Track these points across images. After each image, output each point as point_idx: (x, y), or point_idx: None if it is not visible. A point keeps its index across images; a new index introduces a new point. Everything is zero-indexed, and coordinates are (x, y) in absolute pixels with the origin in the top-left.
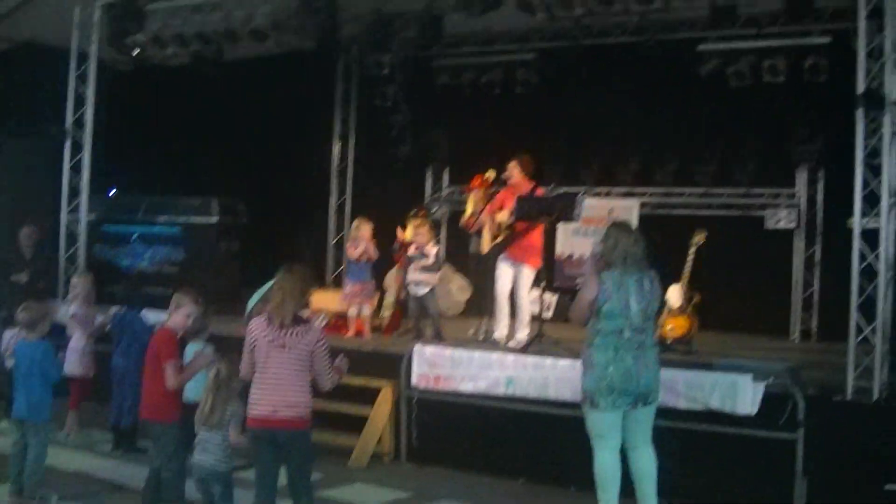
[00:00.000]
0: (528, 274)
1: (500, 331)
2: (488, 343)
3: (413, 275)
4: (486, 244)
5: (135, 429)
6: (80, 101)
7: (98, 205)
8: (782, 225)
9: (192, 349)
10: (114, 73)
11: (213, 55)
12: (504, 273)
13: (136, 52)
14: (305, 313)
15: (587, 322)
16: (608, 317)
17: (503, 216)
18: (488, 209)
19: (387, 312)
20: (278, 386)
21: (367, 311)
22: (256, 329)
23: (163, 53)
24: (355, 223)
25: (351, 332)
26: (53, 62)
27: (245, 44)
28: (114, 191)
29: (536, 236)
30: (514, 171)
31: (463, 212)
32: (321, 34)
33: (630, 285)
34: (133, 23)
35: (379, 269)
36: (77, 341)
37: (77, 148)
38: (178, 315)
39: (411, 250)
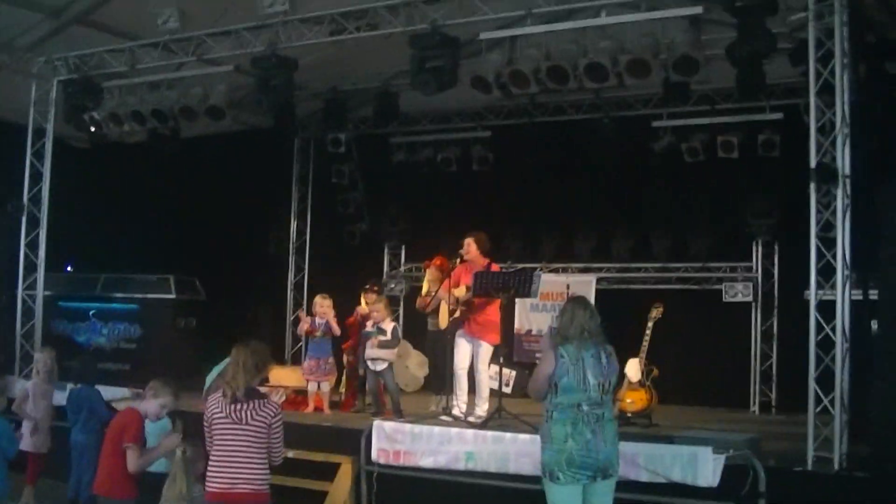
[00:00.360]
0: (486, 349)
1: (460, 406)
2: (448, 418)
3: (371, 351)
4: (443, 320)
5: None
6: (36, 177)
7: (54, 281)
8: (739, 298)
9: (155, 427)
10: (71, 149)
11: (169, 132)
12: (462, 348)
13: (92, 128)
14: (263, 389)
15: (545, 397)
16: (566, 391)
17: (460, 292)
18: (444, 286)
19: (344, 389)
20: (235, 461)
21: (327, 387)
22: (213, 405)
23: (119, 130)
24: (317, 299)
25: (310, 408)
26: (9, 138)
27: (202, 121)
28: (70, 267)
29: (493, 312)
30: (470, 247)
31: (419, 289)
32: (278, 112)
33: (587, 359)
34: (90, 99)
35: (338, 344)
36: (34, 417)
37: (33, 223)
38: (152, 403)
39: (368, 326)
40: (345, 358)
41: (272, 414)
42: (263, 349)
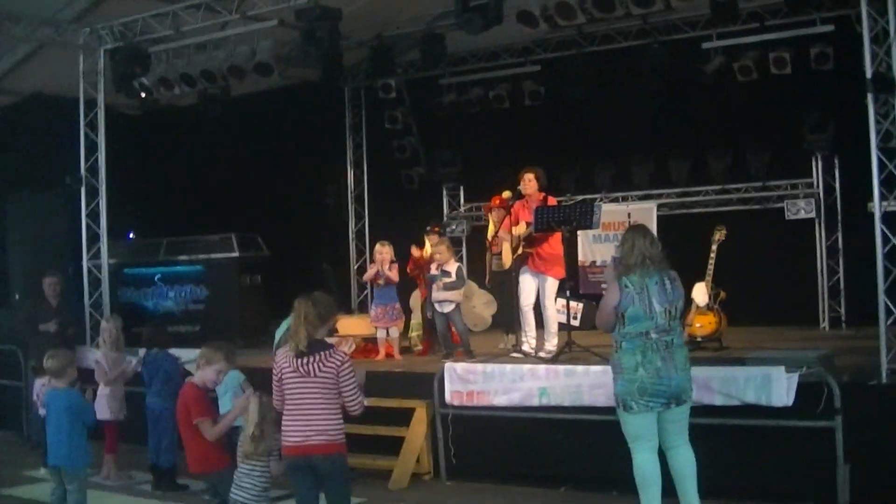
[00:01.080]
0: (552, 284)
1: (529, 342)
2: (518, 355)
3: (437, 293)
4: (507, 259)
5: (173, 467)
6: (91, 148)
7: (118, 249)
8: (802, 214)
9: (232, 379)
10: (123, 117)
11: (219, 92)
12: (528, 285)
13: (143, 95)
14: (332, 340)
15: (613, 328)
16: (633, 320)
17: (521, 229)
18: (505, 225)
19: (414, 333)
20: (308, 413)
21: (395, 333)
22: (281, 360)
23: (170, 94)
24: (376, 247)
25: (381, 356)
26: (63, 112)
27: (251, 79)
28: (132, 234)
29: (556, 245)
30: (530, 182)
31: (484, 228)
32: (325, 63)
33: (651, 287)
34: (138, 66)
35: (405, 290)
36: (107, 385)
37: (92, 194)
38: (208, 371)
39: (433, 269)
40: (420, 307)
41: (339, 363)
42: (326, 299)
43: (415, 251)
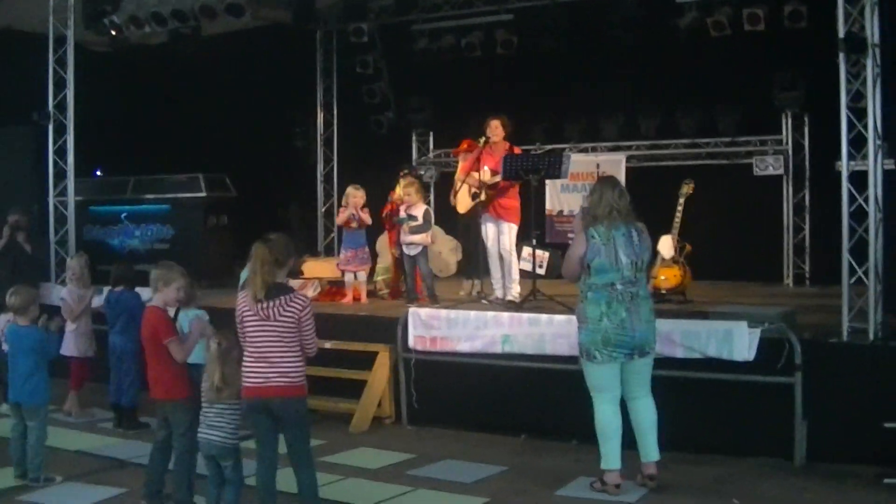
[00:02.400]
0: (512, 230)
1: (494, 289)
2: (482, 302)
3: (404, 236)
4: (462, 204)
5: (135, 406)
6: (60, 85)
7: (84, 187)
8: (770, 171)
9: (185, 318)
10: (92, 54)
11: (190, 32)
12: (489, 231)
13: (113, 32)
14: (298, 282)
15: (579, 278)
16: (598, 271)
17: (486, 175)
18: (464, 168)
19: (380, 277)
20: (267, 357)
21: (363, 276)
22: (241, 303)
23: (140, 33)
24: (349, 190)
25: (348, 299)
26: (32, 47)
27: (222, 19)
28: (99, 172)
29: (515, 196)
30: (498, 129)
31: (453, 175)
32: (297, 6)
33: (618, 238)
34: (108, 4)
35: (372, 234)
36: (73, 322)
37: (60, 131)
38: (168, 291)
39: (401, 211)
40: (393, 250)
41: (300, 308)
42: (283, 242)
43: (391, 194)
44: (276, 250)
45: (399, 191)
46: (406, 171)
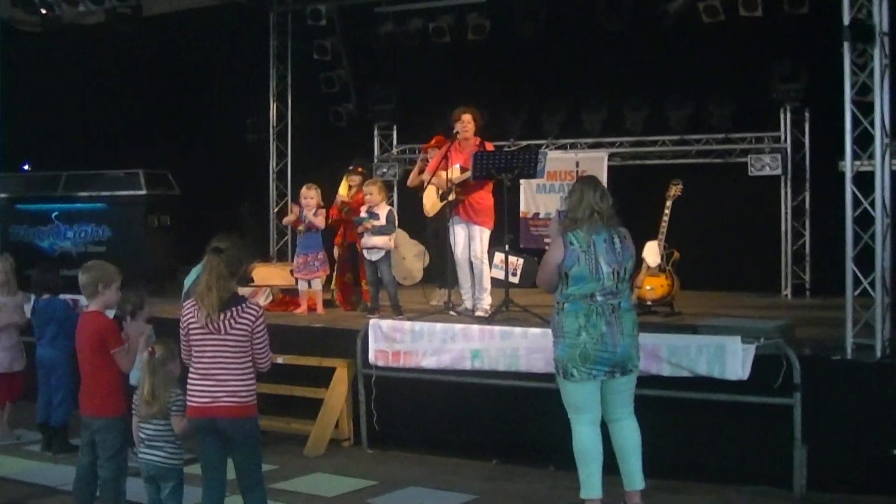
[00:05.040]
0: (484, 234)
1: (463, 299)
2: (452, 314)
3: (365, 239)
4: (430, 205)
5: (66, 426)
6: None
7: (11, 182)
8: (767, 171)
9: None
10: (20, 34)
11: (130, 11)
12: (459, 236)
13: (43, 10)
14: (247, 290)
15: (555, 288)
16: (577, 280)
17: (456, 173)
18: (430, 166)
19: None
20: (216, 373)
21: (319, 284)
22: (188, 312)
23: (74, 11)
24: (303, 190)
25: (302, 309)
26: None
27: None
28: (27, 165)
29: (487, 196)
30: (469, 124)
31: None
32: None
33: (599, 245)
34: None
35: (330, 238)
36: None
37: None
38: (108, 293)
39: (362, 211)
40: (336, 252)
41: (253, 319)
42: (236, 250)
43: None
44: (229, 260)
45: (344, 191)
46: (354, 168)
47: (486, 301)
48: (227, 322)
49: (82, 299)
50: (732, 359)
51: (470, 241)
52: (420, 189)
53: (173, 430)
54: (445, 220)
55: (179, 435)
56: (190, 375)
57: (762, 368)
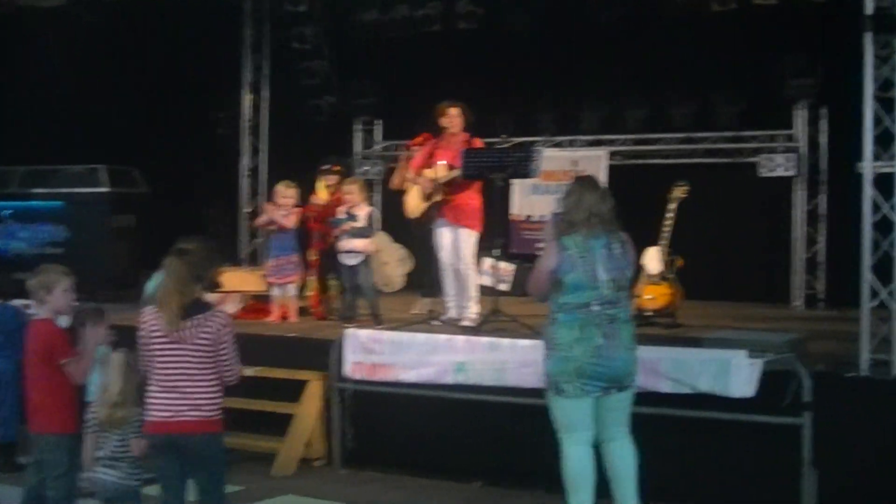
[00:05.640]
0: (471, 238)
1: (448, 307)
2: (435, 323)
3: (343, 242)
4: (414, 206)
5: (15, 443)
6: None
7: None
8: (779, 172)
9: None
10: None
11: None
12: (447, 240)
13: None
14: (215, 296)
15: (548, 297)
16: (572, 289)
17: (441, 172)
18: (413, 164)
19: (311, 292)
20: (178, 386)
21: (293, 290)
22: (149, 320)
23: None
24: (279, 188)
25: (274, 317)
26: None
27: None
28: None
29: (475, 196)
30: (456, 118)
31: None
32: None
33: (597, 250)
34: None
35: (306, 240)
36: None
37: None
38: (53, 298)
39: (339, 212)
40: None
41: (219, 327)
42: (203, 252)
43: (312, 198)
44: (194, 264)
45: (322, 193)
46: (329, 167)
47: (473, 310)
48: (190, 330)
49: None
50: (738, 375)
51: (456, 245)
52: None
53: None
54: (430, 223)
55: (139, 456)
56: (150, 388)
57: (770, 385)
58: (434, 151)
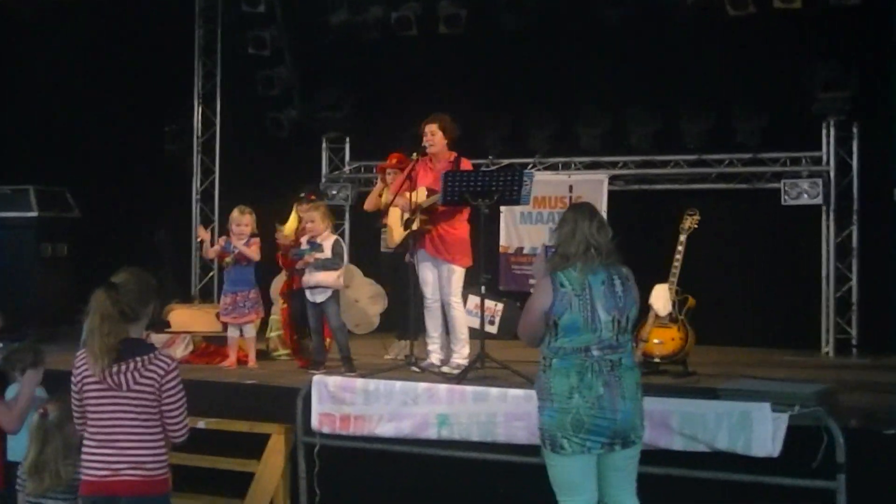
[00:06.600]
0: (457, 275)
1: (436, 353)
2: (414, 369)
3: (308, 276)
4: (396, 235)
5: None
6: None
7: None
8: (805, 200)
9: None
10: None
11: None
12: (429, 275)
13: None
14: (158, 338)
15: (541, 340)
16: (568, 331)
17: (421, 196)
18: (395, 187)
19: (275, 333)
20: (116, 440)
21: (252, 330)
22: (82, 365)
23: None
24: (233, 214)
25: (230, 361)
26: None
27: None
28: None
29: (460, 226)
30: (434, 135)
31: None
32: None
33: (595, 288)
34: None
35: (266, 274)
36: None
37: None
38: None
39: (302, 242)
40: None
41: (162, 374)
42: (136, 284)
43: (279, 231)
44: (123, 298)
45: (293, 224)
46: (305, 195)
47: (464, 353)
48: (128, 375)
49: None
50: (760, 430)
51: (440, 281)
52: (380, 213)
53: None
54: (406, 254)
55: None
56: (85, 442)
57: (797, 443)
58: (414, 174)
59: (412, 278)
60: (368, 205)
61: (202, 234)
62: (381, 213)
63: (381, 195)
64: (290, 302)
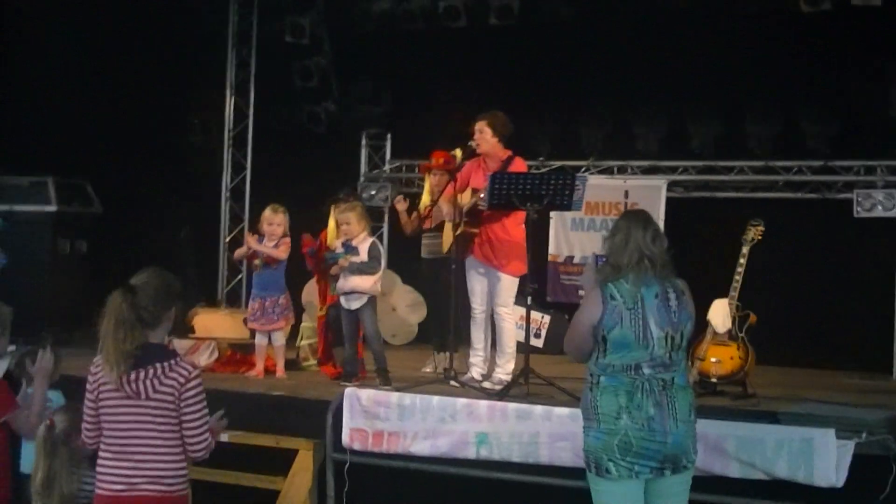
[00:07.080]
0: (508, 284)
1: (471, 366)
2: (454, 384)
3: (342, 281)
4: (447, 241)
5: None
6: None
7: None
8: (879, 212)
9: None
10: None
11: None
12: (473, 282)
13: None
14: (181, 344)
15: (589, 356)
16: (618, 347)
17: (467, 198)
18: (447, 191)
19: (306, 341)
20: (132, 453)
21: (281, 338)
22: (99, 370)
23: None
24: (266, 213)
25: (258, 370)
26: None
27: None
28: None
29: (515, 230)
30: (483, 133)
31: (417, 196)
32: None
33: (648, 301)
34: None
35: (297, 278)
36: None
37: None
38: None
39: (336, 246)
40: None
41: (182, 382)
42: (156, 286)
43: (307, 239)
44: (141, 302)
45: (332, 229)
46: (343, 197)
47: (508, 368)
48: (146, 383)
49: None
50: (823, 459)
51: (490, 290)
52: (414, 231)
53: None
54: (448, 261)
55: None
56: (101, 454)
57: (863, 473)
58: (461, 174)
59: (455, 286)
60: (407, 228)
61: (251, 242)
62: (423, 217)
63: (416, 211)
64: (329, 310)
